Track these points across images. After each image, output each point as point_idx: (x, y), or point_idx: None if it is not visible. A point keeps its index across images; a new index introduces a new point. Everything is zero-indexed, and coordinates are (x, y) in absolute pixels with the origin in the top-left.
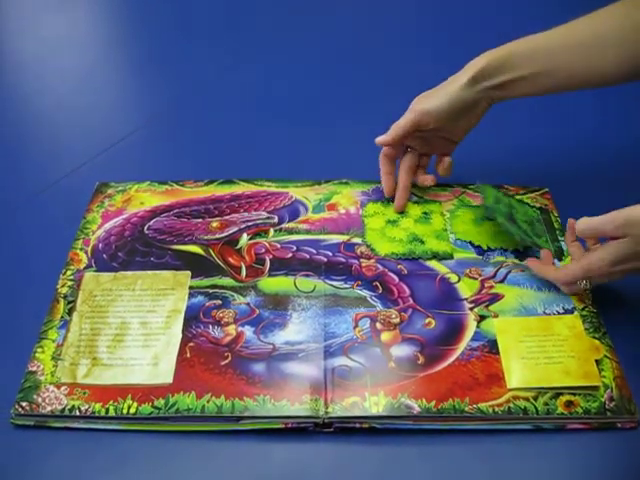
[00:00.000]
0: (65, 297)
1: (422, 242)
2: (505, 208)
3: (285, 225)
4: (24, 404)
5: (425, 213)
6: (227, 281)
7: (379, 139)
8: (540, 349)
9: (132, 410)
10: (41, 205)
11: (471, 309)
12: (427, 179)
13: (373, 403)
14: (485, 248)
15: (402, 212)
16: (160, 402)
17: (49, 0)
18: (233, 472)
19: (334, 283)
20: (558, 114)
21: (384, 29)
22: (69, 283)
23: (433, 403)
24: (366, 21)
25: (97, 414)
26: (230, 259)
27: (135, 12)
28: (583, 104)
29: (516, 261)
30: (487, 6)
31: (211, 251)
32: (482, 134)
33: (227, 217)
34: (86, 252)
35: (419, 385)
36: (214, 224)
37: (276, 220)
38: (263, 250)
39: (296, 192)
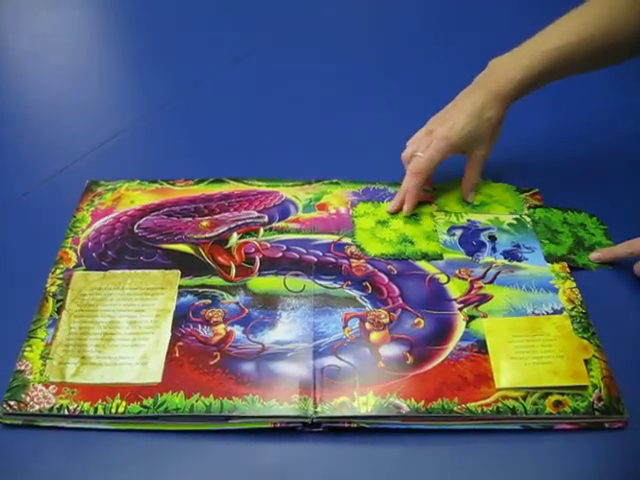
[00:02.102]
0: (54, 296)
1: (412, 243)
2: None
3: (275, 224)
4: (12, 403)
5: (415, 214)
6: (217, 280)
7: (417, 170)
8: (529, 349)
9: (121, 409)
10: (31, 203)
11: (460, 309)
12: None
13: (362, 403)
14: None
15: (395, 213)
16: (149, 401)
17: None
18: (221, 471)
19: (324, 283)
20: (549, 114)
21: (380, 30)
22: (58, 282)
23: (422, 403)
24: (361, 22)
25: (85, 413)
26: (220, 258)
27: (126, 11)
28: (574, 105)
29: (505, 262)
30: (486, 7)
31: (201, 250)
32: None
33: (217, 216)
34: (75, 251)
35: (408, 385)
36: (204, 223)
37: (266, 219)
38: (253, 249)
39: (286, 192)
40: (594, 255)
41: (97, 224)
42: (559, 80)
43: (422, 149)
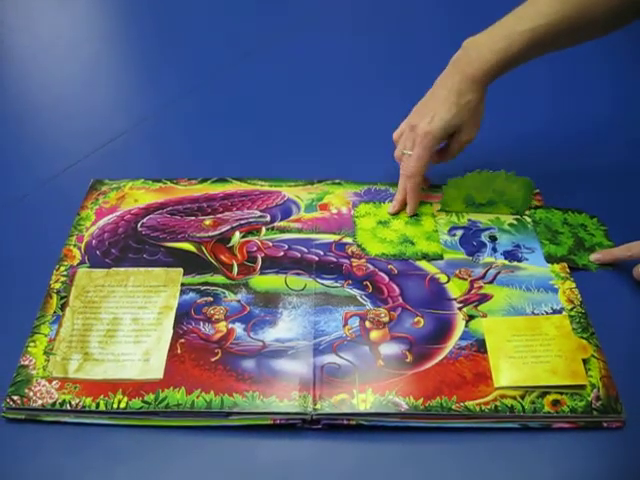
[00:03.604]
0: (58, 292)
1: (412, 243)
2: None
3: (277, 224)
4: (15, 398)
5: (416, 214)
6: (219, 278)
7: (410, 174)
8: (528, 348)
9: (122, 405)
10: (36, 202)
11: (460, 309)
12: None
13: (361, 400)
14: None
15: (396, 214)
16: (150, 397)
17: None
18: (221, 467)
19: (325, 282)
20: (549, 114)
21: (380, 30)
22: (62, 279)
23: (421, 401)
24: (362, 22)
25: (88, 408)
26: (222, 257)
27: (130, 11)
28: (575, 103)
29: (506, 262)
30: (491, 7)
31: (203, 249)
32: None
33: (220, 215)
34: (79, 248)
35: (407, 383)
36: (207, 222)
37: (268, 219)
38: (255, 248)
39: (289, 191)
40: (594, 256)
41: (101, 222)
42: (538, 58)
43: (409, 147)
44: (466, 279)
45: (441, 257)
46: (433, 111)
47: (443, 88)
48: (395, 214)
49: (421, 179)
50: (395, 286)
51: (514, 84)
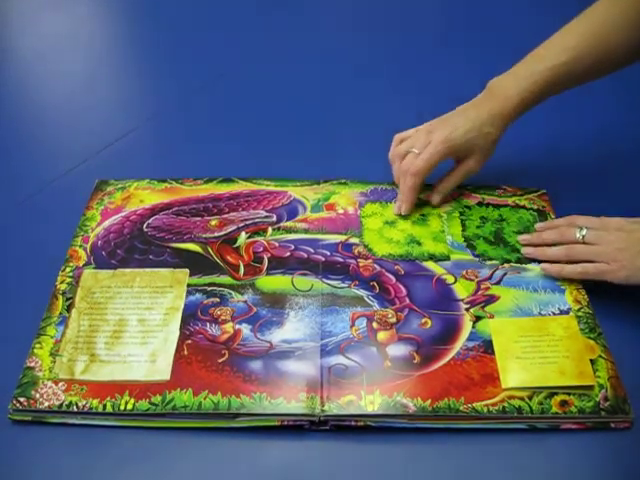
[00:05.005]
0: (64, 294)
1: (419, 244)
2: (492, 227)
3: (283, 224)
4: (22, 399)
5: (423, 215)
6: (225, 279)
7: (415, 171)
8: (535, 349)
9: (129, 406)
10: (41, 202)
11: (467, 310)
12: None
13: (369, 402)
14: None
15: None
16: (157, 398)
17: None
18: (229, 469)
19: (331, 282)
20: (556, 116)
21: (385, 31)
22: (68, 280)
23: (428, 402)
24: (367, 23)
25: (94, 410)
26: (228, 257)
27: (135, 11)
28: (582, 105)
29: (512, 263)
30: (496, 8)
31: (209, 249)
32: None
33: (226, 215)
34: (85, 249)
35: (415, 384)
36: (213, 222)
37: (274, 219)
38: (261, 249)
39: (295, 191)
40: (521, 237)
41: (107, 223)
42: (560, 94)
43: (418, 147)
44: (473, 280)
45: (448, 258)
46: (457, 124)
47: (470, 111)
48: (400, 215)
49: (422, 181)
50: (402, 287)
51: None
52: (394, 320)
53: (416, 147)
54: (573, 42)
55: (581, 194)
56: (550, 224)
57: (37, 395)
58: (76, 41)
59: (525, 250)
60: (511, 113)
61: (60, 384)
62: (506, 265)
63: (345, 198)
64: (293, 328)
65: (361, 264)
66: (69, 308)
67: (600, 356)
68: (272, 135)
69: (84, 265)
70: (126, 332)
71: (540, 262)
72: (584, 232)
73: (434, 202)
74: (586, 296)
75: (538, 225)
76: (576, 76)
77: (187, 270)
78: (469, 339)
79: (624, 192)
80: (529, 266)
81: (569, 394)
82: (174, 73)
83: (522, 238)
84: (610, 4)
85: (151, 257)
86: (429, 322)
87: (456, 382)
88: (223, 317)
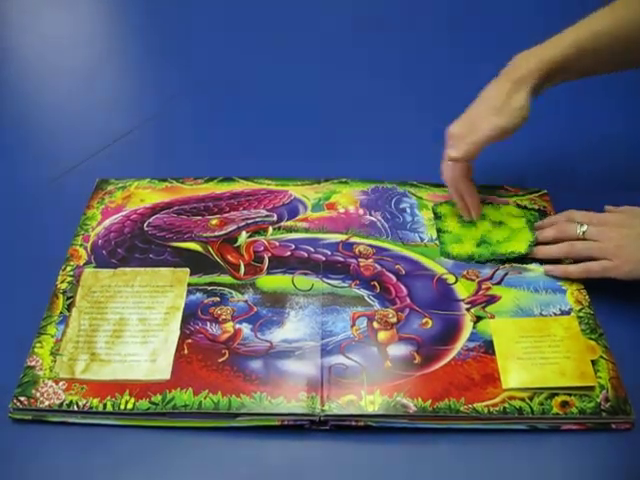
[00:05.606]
0: (64, 293)
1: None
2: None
3: (284, 223)
4: (22, 398)
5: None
6: (225, 278)
7: (455, 155)
8: (536, 350)
9: (129, 406)
10: (41, 201)
11: (468, 310)
12: None
13: (369, 402)
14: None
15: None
16: (157, 398)
17: None
18: (229, 468)
19: (332, 282)
20: (558, 115)
21: (385, 29)
22: (68, 279)
23: (429, 402)
24: (366, 21)
25: (94, 409)
26: (229, 257)
27: (135, 9)
28: (583, 105)
29: (513, 263)
30: (487, 9)
31: (210, 248)
32: None
33: (226, 215)
34: (86, 248)
35: (415, 384)
36: (213, 222)
37: (275, 218)
38: (262, 248)
39: (295, 191)
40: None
41: (107, 222)
42: (584, 77)
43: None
44: (474, 280)
45: (526, 256)
46: (498, 112)
47: (489, 92)
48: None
49: (468, 168)
50: (403, 286)
51: None
52: (395, 320)
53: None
54: (605, 21)
55: (582, 194)
56: (548, 221)
57: (37, 394)
58: (77, 40)
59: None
60: (529, 74)
61: (60, 383)
62: (507, 265)
63: (346, 197)
64: (293, 328)
65: (362, 263)
66: (70, 307)
67: (601, 357)
68: (273, 134)
69: (85, 264)
70: (126, 331)
71: (542, 262)
72: (584, 228)
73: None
74: (587, 296)
75: (537, 224)
76: (601, 55)
77: (187, 269)
78: (470, 339)
79: (625, 192)
80: (530, 266)
81: (570, 395)
82: (174, 72)
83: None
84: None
85: (152, 256)
86: (430, 322)
87: (457, 382)
88: (223, 316)
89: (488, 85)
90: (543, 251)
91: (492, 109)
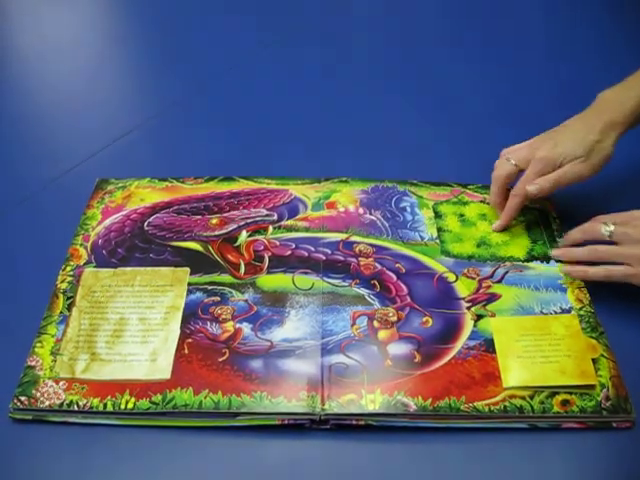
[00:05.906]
0: (64, 292)
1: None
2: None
3: (284, 223)
4: (23, 398)
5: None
6: (226, 278)
7: (534, 192)
8: (536, 348)
9: (130, 405)
10: (42, 201)
11: (468, 308)
12: None
13: (369, 400)
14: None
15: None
16: (158, 397)
17: None
18: (229, 468)
19: (332, 281)
20: (558, 115)
21: (385, 30)
22: (69, 279)
23: (429, 401)
24: (367, 22)
25: (95, 409)
26: (229, 256)
27: (136, 9)
28: (584, 105)
29: (514, 262)
30: (487, 9)
31: (210, 248)
32: (482, 134)
33: (226, 214)
34: (86, 248)
35: (415, 383)
36: (213, 221)
37: (275, 217)
38: (262, 247)
39: (296, 190)
40: (555, 252)
41: (107, 221)
42: None
43: (516, 159)
44: (474, 278)
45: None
46: (556, 141)
47: (575, 125)
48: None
49: (523, 201)
50: (403, 285)
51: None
52: (395, 319)
53: (513, 159)
54: None
55: (582, 194)
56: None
57: (38, 394)
58: (77, 40)
59: (553, 252)
60: (623, 120)
61: (61, 383)
62: (508, 263)
63: (346, 196)
64: (294, 327)
65: (362, 262)
66: (70, 307)
67: (602, 355)
68: (273, 133)
69: (85, 264)
70: (127, 331)
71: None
72: (611, 228)
73: (530, 189)
74: (588, 295)
75: (555, 252)
76: None
77: (188, 269)
78: (470, 338)
79: (626, 192)
80: (531, 264)
81: (570, 393)
82: (175, 72)
83: (556, 254)
84: None
85: (152, 256)
86: (430, 321)
87: (457, 381)
88: (224, 316)
89: (575, 118)
90: (567, 253)
91: (580, 148)
